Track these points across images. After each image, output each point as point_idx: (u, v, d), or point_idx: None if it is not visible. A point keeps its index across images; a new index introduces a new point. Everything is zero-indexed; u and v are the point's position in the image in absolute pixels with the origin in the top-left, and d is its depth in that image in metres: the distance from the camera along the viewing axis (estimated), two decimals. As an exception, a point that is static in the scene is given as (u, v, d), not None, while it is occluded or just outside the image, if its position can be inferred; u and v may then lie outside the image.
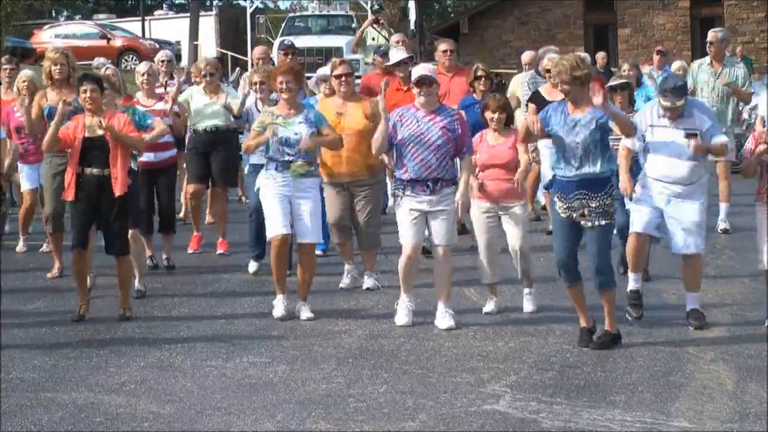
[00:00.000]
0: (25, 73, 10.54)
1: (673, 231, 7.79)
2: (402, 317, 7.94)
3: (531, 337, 7.60)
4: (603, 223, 7.25)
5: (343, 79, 9.02)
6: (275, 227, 8.21)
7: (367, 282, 9.17)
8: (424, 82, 7.92)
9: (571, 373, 6.76)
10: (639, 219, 7.85)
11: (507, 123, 8.31)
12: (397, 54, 10.97)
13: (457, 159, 8.14)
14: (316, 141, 8.26)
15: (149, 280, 9.26)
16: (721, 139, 7.74)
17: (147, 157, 9.44)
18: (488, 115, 8.24)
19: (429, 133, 7.84)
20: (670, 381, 6.58)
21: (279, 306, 8.23)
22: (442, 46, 11.77)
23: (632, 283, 8.01)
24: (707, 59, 12.08)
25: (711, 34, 12.10)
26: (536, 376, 6.71)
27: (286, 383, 6.59)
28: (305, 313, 8.19)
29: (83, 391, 6.48)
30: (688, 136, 7.56)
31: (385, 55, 12.79)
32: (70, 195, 8.19)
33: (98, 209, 8.20)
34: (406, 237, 7.96)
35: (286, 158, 8.18)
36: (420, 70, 8.16)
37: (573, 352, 7.22)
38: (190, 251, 10.97)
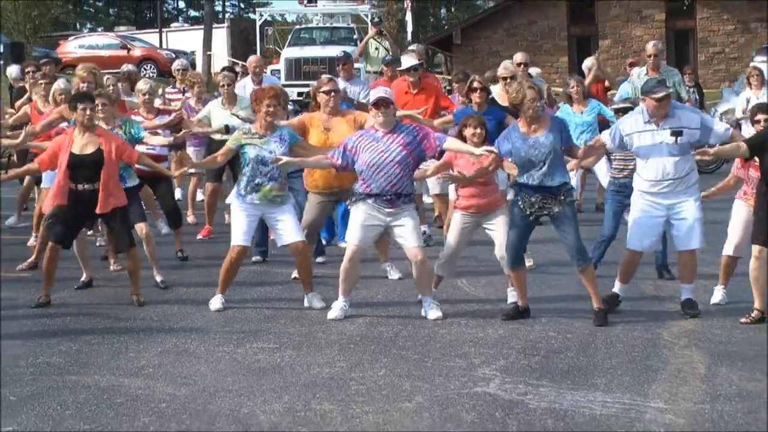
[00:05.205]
0: (59, 85, 10.26)
1: (679, 230, 7.74)
2: (334, 313, 7.81)
3: (518, 325, 7.59)
4: (565, 210, 7.54)
5: (332, 95, 8.78)
6: (236, 237, 8.10)
7: (392, 274, 9.21)
8: (382, 103, 7.83)
9: (556, 357, 6.75)
10: (638, 237, 7.81)
11: (484, 140, 8.04)
12: (407, 60, 10.98)
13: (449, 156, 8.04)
14: (295, 160, 8.03)
15: (167, 273, 9.25)
16: (721, 129, 7.73)
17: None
18: (468, 131, 7.99)
19: (389, 151, 7.69)
20: (647, 365, 6.58)
21: (216, 302, 8.17)
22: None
23: (616, 288, 8.01)
24: (644, 69, 12.15)
25: (653, 47, 12.11)
26: (523, 360, 6.71)
27: (293, 367, 6.59)
28: (317, 303, 8.16)
29: (105, 374, 6.48)
30: (674, 134, 7.59)
31: (390, 64, 12.80)
32: (61, 200, 8.13)
33: (89, 218, 8.31)
34: (353, 236, 7.78)
35: (257, 180, 8.00)
36: (377, 92, 7.98)
37: (558, 339, 7.22)
38: (199, 237, 11.31)
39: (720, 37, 32.20)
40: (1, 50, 28.19)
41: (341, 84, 10.89)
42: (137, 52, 33.02)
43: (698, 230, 7.74)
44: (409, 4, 29.83)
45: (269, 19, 36.06)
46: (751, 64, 19.03)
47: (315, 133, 8.65)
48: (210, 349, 7.06)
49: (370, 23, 27.92)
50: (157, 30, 39.90)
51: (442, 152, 8.01)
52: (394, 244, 8.42)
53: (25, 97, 12.28)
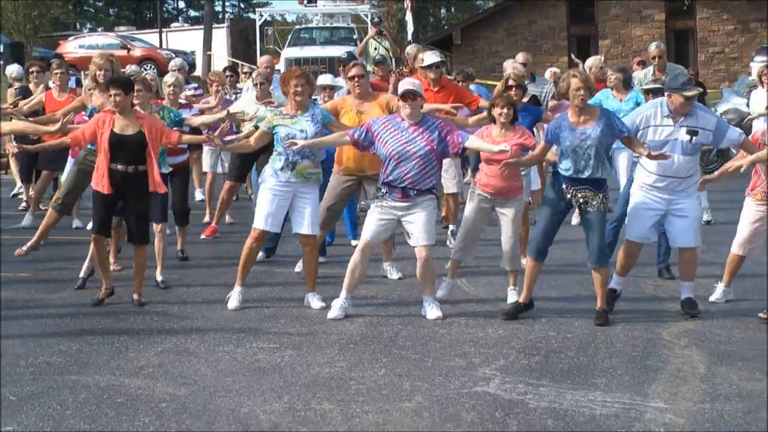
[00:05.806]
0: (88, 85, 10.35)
1: (676, 227, 7.74)
2: (334, 312, 7.81)
3: (518, 325, 7.60)
4: (600, 210, 7.55)
5: (357, 80, 8.91)
6: (260, 221, 8.10)
7: (392, 274, 9.19)
8: (410, 95, 7.86)
9: (556, 357, 6.76)
10: (636, 227, 7.82)
11: (513, 120, 8.11)
12: (430, 57, 10.80)
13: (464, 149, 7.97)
14: (318, 141, 8.05)
15: (167, 272, 9.24)
16: (734, 135, 7.71)
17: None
18: (496, 111, 8.05)
19: (413, 143, 7.73)
20: (647, 365, 6.58)
21: (234, 299, 8.15)
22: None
23: (613, 283, 7.99)
24: (651, 69, 12.16)
25: (656, 49, 12.10)
26: (523, 360, 6.71)
27: (293, 367, 6.59)
28: (317, 303, 8.14)
29: (105, 374, 6.48)
30: (690, 132, 7.60)
31: (380, 63, 12.80)
32: (102, 187, 8.13)
33: (119, 201, 8.19)
34: (366, 232, 7.86)
35: (291, 158, 8.08)
36: (405, 84, 8.01)
37: (557, 338, 7.22)
38: (203, 236, 11.25)
39: (720, 37, 32.19)
40: (1, 50, 28.20)
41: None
42: (137, 52, 33.04)
43: (696, 229, 7.76)
44: (409, 4, 29.82)
45: (269, 19, 36.12)
46: (752, 64, 19.02)
47: (348, 116, 8.73)
48: (210, 349, 7.06)
49: (370, 23, 27.97)
50: (157, 30, 39.91)
51: (464, 150, 7.99)
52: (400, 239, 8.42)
53: (37, 98, 12.18)
